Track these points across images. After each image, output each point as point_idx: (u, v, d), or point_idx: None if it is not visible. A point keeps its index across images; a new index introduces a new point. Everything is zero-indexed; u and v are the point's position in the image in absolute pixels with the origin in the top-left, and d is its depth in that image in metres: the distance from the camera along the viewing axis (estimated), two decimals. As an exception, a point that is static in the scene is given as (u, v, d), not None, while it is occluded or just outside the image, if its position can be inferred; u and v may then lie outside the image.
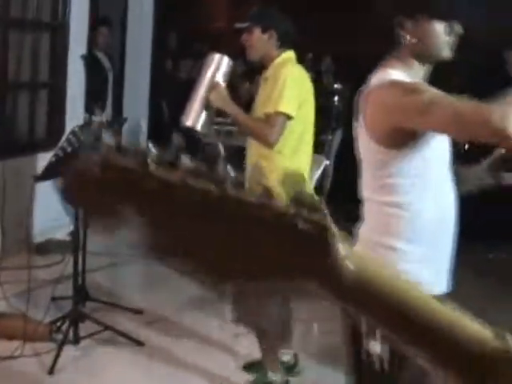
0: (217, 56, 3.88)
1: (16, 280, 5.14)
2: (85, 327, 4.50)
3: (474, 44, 7.08)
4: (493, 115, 2.08)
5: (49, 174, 4.41)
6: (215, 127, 6.37)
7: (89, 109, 6.78)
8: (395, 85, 2.40)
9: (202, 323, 5.03)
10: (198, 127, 3.87)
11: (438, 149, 2.45)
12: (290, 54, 3.98)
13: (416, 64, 2.53)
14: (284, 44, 3.96)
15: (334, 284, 0.68)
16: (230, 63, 3.90)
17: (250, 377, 4.18)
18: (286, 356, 4.28)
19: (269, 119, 3.76)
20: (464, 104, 2.20)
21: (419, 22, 2.49)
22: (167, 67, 8.83)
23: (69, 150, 4.25)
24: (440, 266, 2.47)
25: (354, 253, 0.70)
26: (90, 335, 4.50)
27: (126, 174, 0.68)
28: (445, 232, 2.47)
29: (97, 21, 7.17)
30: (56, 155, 4.24)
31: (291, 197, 0.68)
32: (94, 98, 6.76)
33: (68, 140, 4.23)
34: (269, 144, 3.78)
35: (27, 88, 6.59)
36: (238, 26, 4.03)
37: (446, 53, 2.50)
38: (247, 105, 4.20)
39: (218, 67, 3.86)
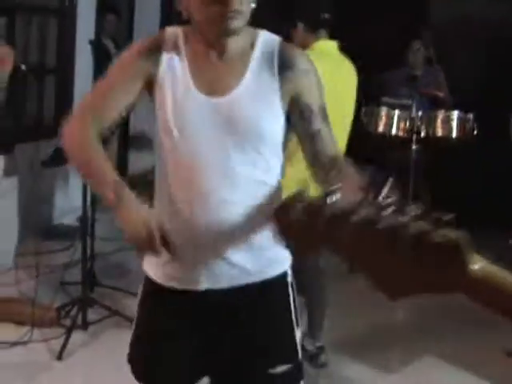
0: None
1: (24, 265, 5.17)
2: (93, 312, 4.51)
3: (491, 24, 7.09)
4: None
5: (56, 160, 4.41)
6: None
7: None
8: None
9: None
10: None
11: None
12: (320, 43, 3.92)
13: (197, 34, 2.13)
14: (317, 30, 3.91)
15: (467, 285, 0.90)
16: None
17: None
18: (310, 346, 4.27)
19: None
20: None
21: None
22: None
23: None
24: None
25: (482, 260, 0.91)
26: (99, 320, 4.51)
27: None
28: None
29: (104, 8, 7.14)
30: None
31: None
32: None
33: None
34: None
35: (35, 73, 6.58)
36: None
37: (226, 25, 2.01)
38: None
39: None
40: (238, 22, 2.02)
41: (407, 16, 7.20)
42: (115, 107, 2.13)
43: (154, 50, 2.12)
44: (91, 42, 5.31)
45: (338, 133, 3.94)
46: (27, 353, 4.15)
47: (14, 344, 4.18)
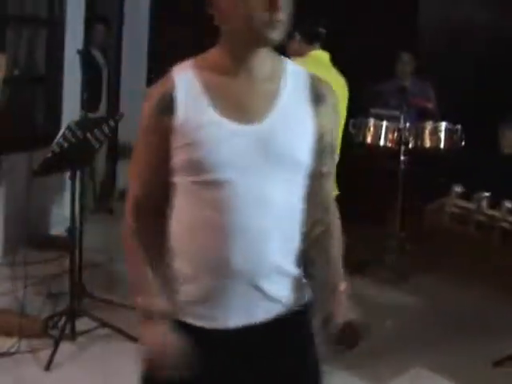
0: None
1: (12, 276, 5.15)
2: (81, 323, 4.50)
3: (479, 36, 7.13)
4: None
5: (46, 169, 4.40)
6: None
7: (84, 105, 6.76)
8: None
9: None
10: None
11: None
12: (316, 53, 4.20)
13: (228, 47, 1.96)
14: (313, 42, 4.21)
15: None
16: None
17: None
18: None
19: None
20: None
21: None
22: (164, 63, 8.81)
23: (65, 145, 4.24)
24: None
25: None
26: (87, 331, 4.49)
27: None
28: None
29: (93, 18, 7.15)
30: (53, 151, 4.23)
31: None
32: (88, 95, 6.75)
33: (64, 135, 4.22)
34: None
35: (24, 83, 6.57)
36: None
37: (270, 34, 1.89)
38: None
39: None
40: (280, 34, 1.91)
41: (396, 27, 7.23)
42: (159, 182, 2.00)
43: (165, 100, 1.95)
44: (79, 52, 5.31)
45: None
46: (15, 364, 4.13)
47: (2, 355, 4.16)
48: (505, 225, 1.01)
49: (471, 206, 1.11)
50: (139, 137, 2.03)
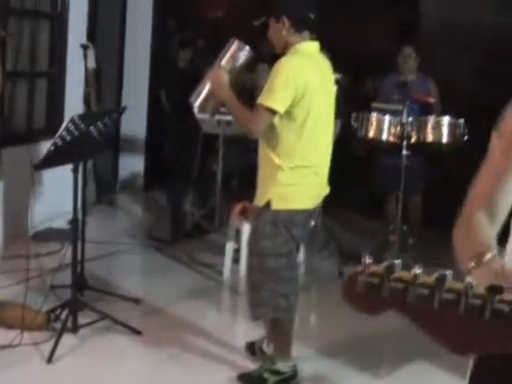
0: (234, 43, 3.92)
1: (14, 269, 5.16)
2: (83, 316, 4.50)
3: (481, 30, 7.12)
4: None
5: (48, 162, 4.40)
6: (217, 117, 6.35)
7: (87, 99, 6.76)
8: None
9: (199, 312, 5.04)
10: (195, 106, 4.03)
11: None
12: (305, 45, 3.82)
13: None
14: (302, 29, 3.80)
15: None
16: (247, 51, 3.93)
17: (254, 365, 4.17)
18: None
19: (256, 109, 3.75)
20: None
21: None
22: (166, 56, 8.81)
23: (68, 138, 4.24)
24: None
25: None
26: (89, 324, 4.50)
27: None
28: None
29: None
30: (55, 144, 4.23)
31: None
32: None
33: (67, 128, 4.22)
34: (251, 133, 3.84)
35: (26, 77, 6.57)
36: (256, 23, 3.96)
37: None
38: (250, 93, 4.18)
39: (233, 54, 3.91)
40: None
41: (400, 21, 7.22)
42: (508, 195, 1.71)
43: None
44: (83, 46, 5.29)
45: (328, 136, 3.96)
46: (17, 356, 4.14)
47: (4, 347, 4.17)
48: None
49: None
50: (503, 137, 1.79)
